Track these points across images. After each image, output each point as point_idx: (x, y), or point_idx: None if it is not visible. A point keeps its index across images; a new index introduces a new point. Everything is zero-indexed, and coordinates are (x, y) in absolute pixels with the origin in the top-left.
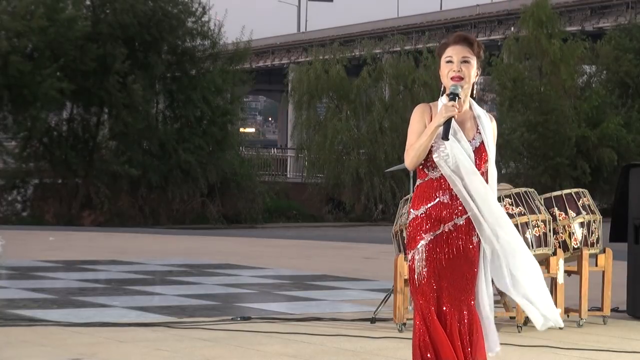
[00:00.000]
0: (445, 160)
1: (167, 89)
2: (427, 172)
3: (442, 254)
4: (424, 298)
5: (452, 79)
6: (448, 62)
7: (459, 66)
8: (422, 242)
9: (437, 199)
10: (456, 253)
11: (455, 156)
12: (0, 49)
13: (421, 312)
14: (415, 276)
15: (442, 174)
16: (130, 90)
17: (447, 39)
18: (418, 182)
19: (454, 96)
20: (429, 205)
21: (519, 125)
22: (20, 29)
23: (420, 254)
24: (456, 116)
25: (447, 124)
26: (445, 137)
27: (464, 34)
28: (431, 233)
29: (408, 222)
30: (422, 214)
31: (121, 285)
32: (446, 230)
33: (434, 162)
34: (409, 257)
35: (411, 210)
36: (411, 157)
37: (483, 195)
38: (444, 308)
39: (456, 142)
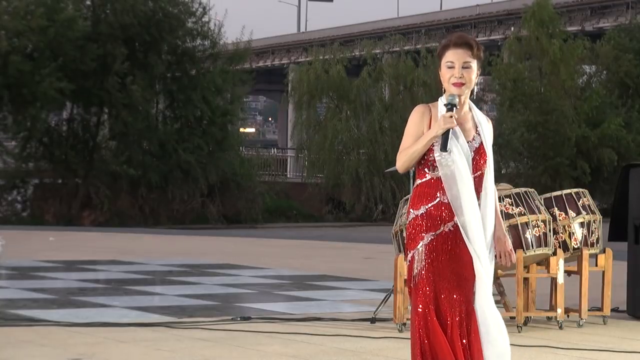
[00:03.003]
0: (446, 160)
1: (167, 89)
2: (426, 172)
3: (442, 254)
4: (424, 298)
5: (454, 84)
6: (449, 67)
7: (460, 72)
8: (422, 242)
9: (438, 199)
10: (455, 253)
11: (455, 161)
12: (0, 49)
13: (422, 314)
14: (415, 276)
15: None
16: (130, 90)
17: (447, 40)
18: (417, 182)
19: (451, 107)
20: (430, 205)
21: (519, 125)
22: (20, 28)
23: (420, 254)
24: (453, 127)
25: (445, 135)
26: (443, 148)
27: (464, 36)
28: (431, 233)
29: (408, 222)
30: (422, 213)
31: (121, 285)
32: (446, 230)
33: (435, 162)
34: (409, 257)
35: (411, 210)
36: (403, 161)
37: (472, 206)
38: (444, 308)
39: (458, 146)
